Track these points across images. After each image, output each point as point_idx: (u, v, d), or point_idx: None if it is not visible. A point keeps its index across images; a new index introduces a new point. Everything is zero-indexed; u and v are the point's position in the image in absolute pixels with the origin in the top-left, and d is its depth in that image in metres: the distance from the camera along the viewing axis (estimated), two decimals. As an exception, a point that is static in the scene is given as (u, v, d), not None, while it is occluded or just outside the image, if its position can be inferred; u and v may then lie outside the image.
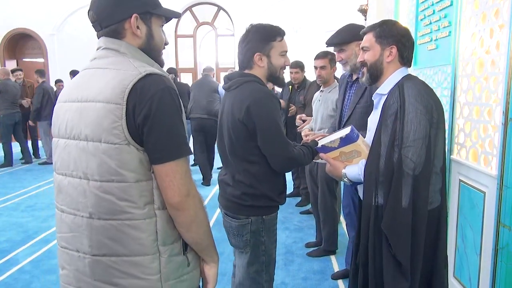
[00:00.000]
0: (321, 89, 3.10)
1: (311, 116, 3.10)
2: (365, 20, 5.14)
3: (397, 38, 1.59)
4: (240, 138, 1.64)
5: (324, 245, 3.12)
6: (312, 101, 3.20)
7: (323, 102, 2.93)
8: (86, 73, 1.09)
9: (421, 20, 2.80)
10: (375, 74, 1.64)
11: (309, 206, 4.15)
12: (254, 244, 1.73)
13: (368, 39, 1.64)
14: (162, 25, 1.19)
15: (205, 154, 5.50)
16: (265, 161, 1.65)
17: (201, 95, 5.38)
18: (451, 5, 2.25)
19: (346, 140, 1.60)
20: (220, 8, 9.62)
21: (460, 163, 2.12)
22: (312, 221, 3.74)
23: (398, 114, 1.47)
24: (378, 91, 1.65)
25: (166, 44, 1.23)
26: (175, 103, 1.02)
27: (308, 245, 3.31)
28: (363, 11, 5.14)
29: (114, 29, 1.10)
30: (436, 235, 1.56)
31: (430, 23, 2.59)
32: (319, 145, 1.70)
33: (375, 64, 1.62)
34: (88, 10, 1.13)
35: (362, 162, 1.60)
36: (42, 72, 7.31)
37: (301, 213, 4.21)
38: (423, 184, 1.45)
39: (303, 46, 8.23)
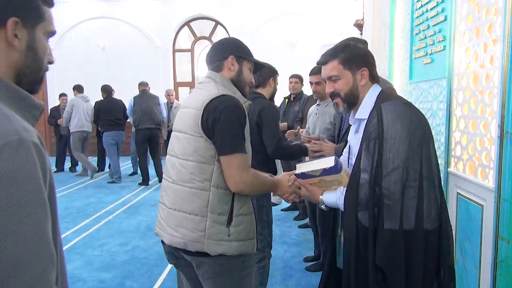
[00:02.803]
0: (317, 102, 3.12)
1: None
2: (361, 34, 5.19)
3: (364, 59, 1.52)
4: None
5: (323, 259, 3.10)
6: (308, 114, 3.22)
7: (320, 116, 2.95)
8: (193, 90, 1.68)
9: (416, 34, 2.83)
10: (352, 101, 1.54)
11: (307, 220, 4.14)
12: (258, 207, 2.28)
13: (334, 67, 1.52)
14: (251, 69, 1.69)
15: (148, 160, 6.60)
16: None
17: (147, 107, 6.32)
18: (445, 20, 2.29)
19: (329, 171, 1.51)
20: (217, 23, 9.72)
21: (458, 176, 2.12)
22: (310, 235, 3.72)
23: (377, 141, 1.38)
24: (357, 115, 1.54)
25: (251, 83, 1.73)
26: (237, 116, 1.49)
27: (306, 259, 3.28)
28: (359, 26, 5.20)
29: (217, 65, 1.64)
30: (437, 260, 1.45)
31: (425, 37, 2.63)
32: (299, 171, 1.60)
33: (351, 92, 1.52)
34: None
35: (341, 190, 1.53)
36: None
37: (299, 227, 4.19)
38: (419, 205, 1.39)
39: (300, 60, 8.29)
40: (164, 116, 6.69)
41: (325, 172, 1.52)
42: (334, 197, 1.54)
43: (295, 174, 1.63)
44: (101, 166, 7.57)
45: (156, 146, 6.51)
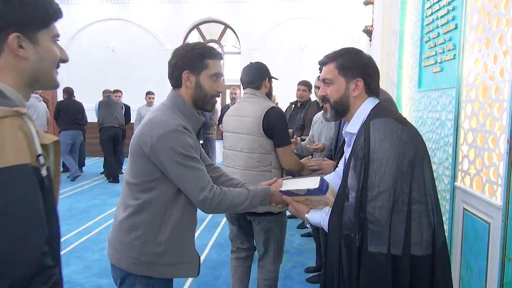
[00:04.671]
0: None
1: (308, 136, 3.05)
2: (370, 41, 5.12)
3: (362, 70, 1.44)
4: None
5: (324, 270, 3.02)
6: (313, 122, 3.15)
7: (327, 124, 2.88)
8: (241, 104, 2.33)
9: (426, 42, 2.77)
10: (341, 110, 1.46)
11: (310, 228, 4.07)
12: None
13: (330, 70, 1.46)
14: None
15: (113, 157, 7.07)
16: None
17: (111, 110, 7.00)
18: (455, 28, 2.22)
19: (313, 192, 1.46)
20: (227, 26, 9.72)
21: (464, 191, 2.04)
22: (313, 244, 3.65)
23: (364, 161, 1.30)
24: (348, 129, 1.48)
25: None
26: (284, 119, 2.27)
27: (308, 270, 3.21)
28: (368, 32, 5.13)
29: (257, 85, 2.32)
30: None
31: (435, 45, 2.56)
32: (284, 189, 1.56)
33: (340, 100, 1.45)
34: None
35: (326, 210, 1.46)
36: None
37: (302, 235, 4.12)
38: (408, 230, 1.31)
39: (308, 65, 8.24)
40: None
41: (310, 192, 1.47)
42: (319, 217, 1.48)
43: (280, 191, 1.58)
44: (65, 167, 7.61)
45: (119, 145, 7.18)
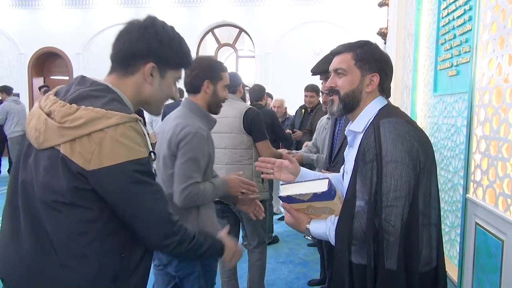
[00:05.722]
0: (327, 116, 2.91)
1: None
2: (385, 43, 4.96)
3: (380, 65, 1.33)
4: None
5: (329, 284, 2.87)
6: (317, 128, 3.02)
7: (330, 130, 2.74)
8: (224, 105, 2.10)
9: (442, 44, 2.61)
10: (350, 105, 1.34)
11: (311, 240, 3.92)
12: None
13: (345, 60, 1.34)
14: None
15: None
16: None
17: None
18: (472, 29, 2.06)
19: (320, 197, 1.28)
20: (241, 30, 9.65)
21: (477, 204, 1.87)
22: (318, 254, 3.50)
23: (375, 164, 1.18)
24: (351, 127, 1.36)
25: None
26: (261, 119, 2.56)
27: (311, 283, 3.07)
28: (383, 35, 4.97)
29: (233, 90, 2.57)
30: None
31: (451, 47, 2.41)
32: (284, 194, 1.35)
33: (352, 93, 1.33)
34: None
35: (331, 219, 1.29)
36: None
37: (309, 245, 3.96)
38: (412, 243, 1.18)
39: (324, 69, 8.09)
40: None
41: (316, 197, 1.28)
42: (324, 227, 1.30)
43: (279, 197, 1.40)
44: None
45: None
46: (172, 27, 1.20)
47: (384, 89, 1.36)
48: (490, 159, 1.76)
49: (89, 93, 1.04)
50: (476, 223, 1.88)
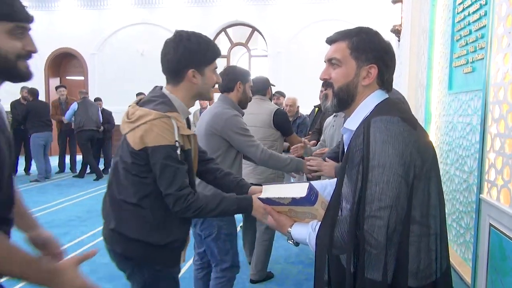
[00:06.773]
0: (334, 113, 2.87)
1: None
2: (398, 41, 4.86)
3: (378, 55, 1.18)
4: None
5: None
6: (324, 126, 2.98)
7: (338, 127, 2.71)
8: (251, 104, 2.62)
9: (457, 40, 2.53)
10: (345, 99, 1.21)
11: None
12: None
13: (340, 49, 1.21)
14: None
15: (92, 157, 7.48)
16: None
17: (90, 112, 7.32)
18: (487, 24, 1.99)
19: (299, 202, 1.22)
20: (254, 29, 9.63)
21: (491, 204, 1.80)
22: (330, 255, 3.45)
23: (361, 167, 1.06)
24: (346, 125, 1.25)
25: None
26: (288, 118, 3.14)
27: (321, 284, 3.02)
28: (397, 32, 4.87)
29: (263, 93, 3.08)
30: None
31: (466, 44, 2.33)
32: (264, 196, 1.32)
33: (347, 87, 1.20)
34: None
35: (313, 225, 1.21)
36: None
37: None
38: (400, 256, 1.08)
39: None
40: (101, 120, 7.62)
41: (295, 202, 1.22)
42: (305, 232, 1.21)
43: (259, 198, 1.35)
44: (27, 167, 7.64)
45: (98, 144, 7.71)
46: (193, 33, 1.54)
47: (384, 82, 1.22)
48: (505, 157, 1.69)
49: (149, 98, 1.54)
50: (490, 225, 1.81)
